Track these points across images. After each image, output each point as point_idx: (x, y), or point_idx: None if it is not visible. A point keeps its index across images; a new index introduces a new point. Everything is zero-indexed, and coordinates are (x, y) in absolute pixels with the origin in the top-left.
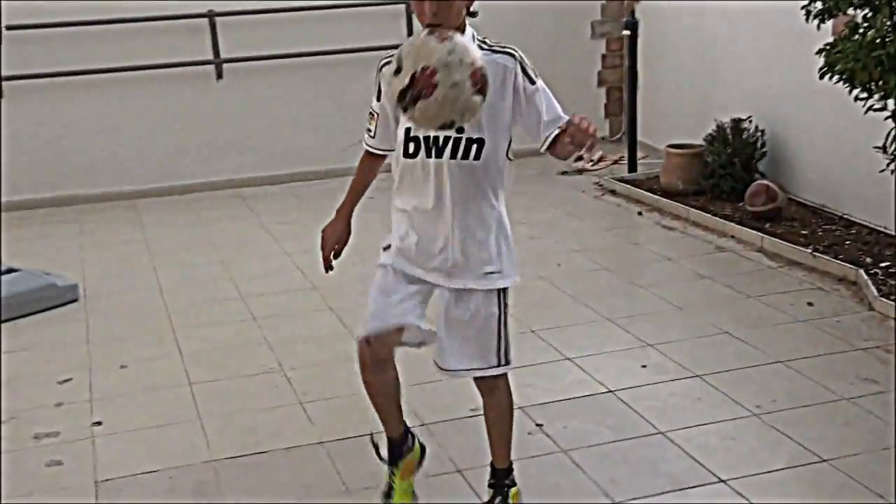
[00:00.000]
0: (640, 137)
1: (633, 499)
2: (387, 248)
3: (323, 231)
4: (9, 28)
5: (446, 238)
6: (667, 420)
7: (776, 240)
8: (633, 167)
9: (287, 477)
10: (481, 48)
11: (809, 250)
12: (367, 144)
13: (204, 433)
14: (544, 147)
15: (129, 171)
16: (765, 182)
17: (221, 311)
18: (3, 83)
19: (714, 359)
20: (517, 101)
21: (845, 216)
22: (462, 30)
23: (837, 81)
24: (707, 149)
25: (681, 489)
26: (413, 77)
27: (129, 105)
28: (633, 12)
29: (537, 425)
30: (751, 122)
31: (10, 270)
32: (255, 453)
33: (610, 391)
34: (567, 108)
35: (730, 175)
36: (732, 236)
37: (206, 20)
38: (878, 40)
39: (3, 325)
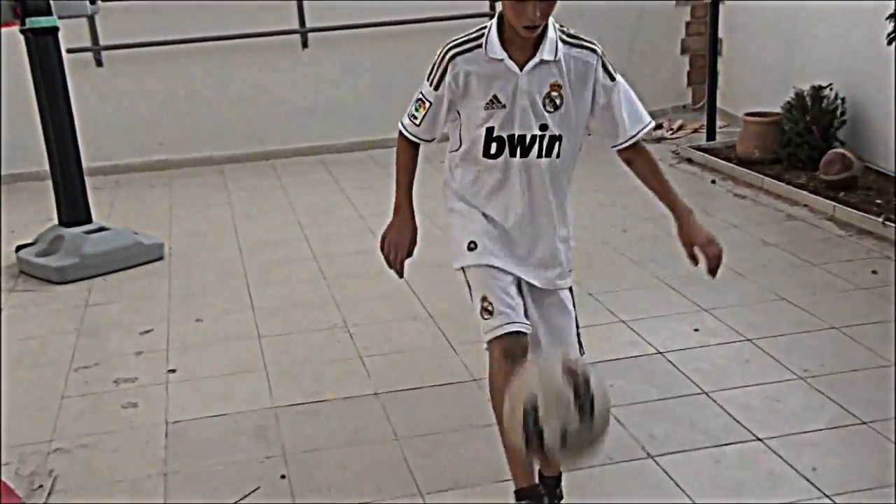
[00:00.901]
0: (721, 106)
1: (669, 452)
2: (472, 246)
3: (385, 236)
4: (110, 0)
5: (536, 236)
6: (712, 381)
7: (847, 208)
8: (711, 136)
9: (341, 423)
10: (563, 41)
11: (881, 219)
12: (409, 131)
13: (268, 382)
14: (621, 147)
15: (218, 137)
16: (840, 150)
17: (295, 271)
18: (102, 53)
19: (768, 324)
20: (596, 97)
21: None
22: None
23: None
24: (785, 117)
25: (717, 445)
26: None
27: (219, 74)
28: None
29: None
30: (831, 89)
31: (101, 229)
32: (314, 402)
33: (659, 352)
34: (650, 74)
35: (807, 143)
36: (805, 205)
37: None
38: None
39: (93, 279)
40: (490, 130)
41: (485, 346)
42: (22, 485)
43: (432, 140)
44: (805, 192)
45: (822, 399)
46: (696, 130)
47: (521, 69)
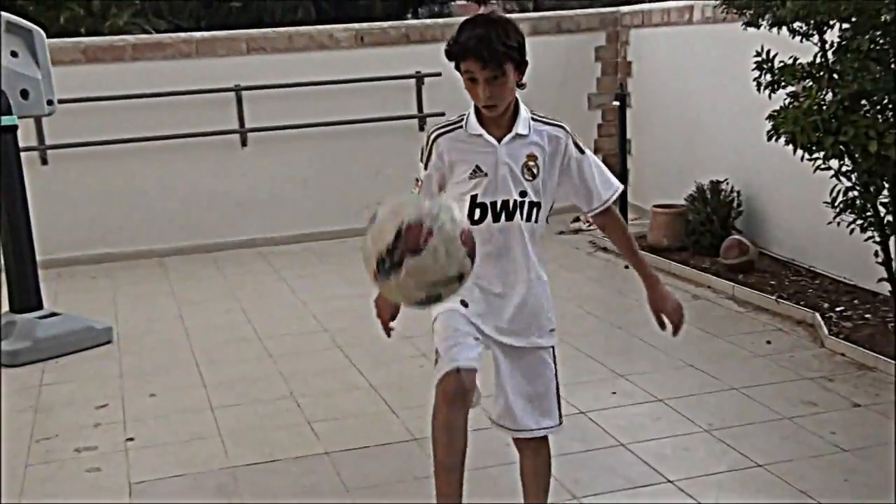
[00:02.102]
0: (632, 200)
1: (592, 494)
2: (464, 304)
3: (376, 300)
4: (59, 101)
5: (518, 296)
6: (629, 435)
7: (746, 289)
8: None
9: (296, 479)
10: (534, 119)
11: (774, 297)
12: None
13: (224, 446)
14: (595, 213)
15: (159, 230)
16: (737, 237)
17: (241, 350)
18: (48, 151)
19: (677, 386)
20: (568, 169)
21: (811, 268)
22: (516, 106)
23: (785, 143)
24: (689, 208)
25: (633, 487)
26: (399, 232)
27: (161, 171)
28: (621, 85)
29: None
30: (728, 183)
31: (52, 314)
32: (269, 461)
33: (582, 412)
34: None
35: (709, 232)
36: (708, 286)
37: (233, 94)
38: (814, 107)
39: (45, 362)
40: (474, 198)
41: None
42: None
43: None
44: (708, 275)
45: (725, 447)
46: None
47: (499, 142)
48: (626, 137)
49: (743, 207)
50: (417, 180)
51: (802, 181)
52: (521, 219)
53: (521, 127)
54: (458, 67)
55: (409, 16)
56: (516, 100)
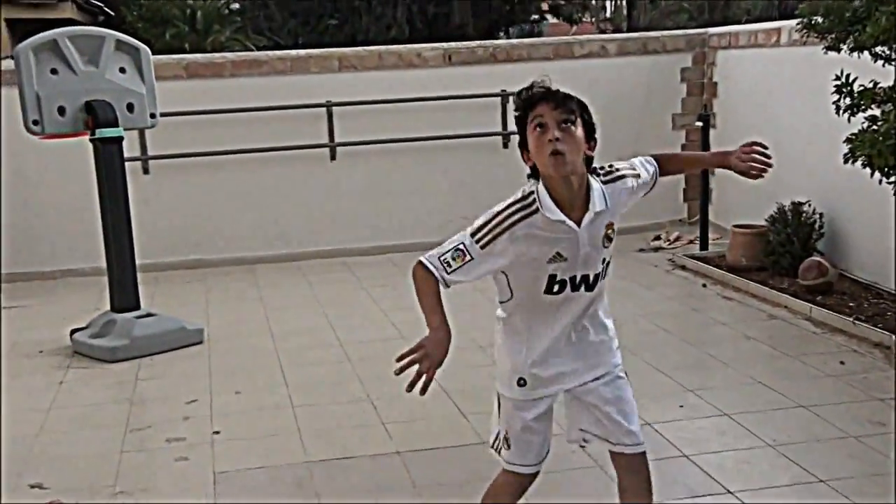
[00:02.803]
0: (713, 220)
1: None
2: (521, 383)
3: (423, 345)
4: (161, 115)
5: (586, 346)
6: (693, 447)
7: (823, 310)
8: (704, 245)
9: (368, 476)
10: (605, 183)
11: (851, 319)
12: (437, 273)
13: (302, 443)
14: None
15: (250, 239)
16: (817, 259)
17: (322, 354)
18: (150, 161)
19: (744, 402)
20: (635, 192)
21: (893, 292)
22: (588, 180)
23: (862, 166)
24: (769, 229)
25: (694, 497)
26: None
27: (255, 182)
28: (705, 107)
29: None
30: (810, 205)
31: (148, 315)
32: (343, 458)
33: (648, 423)
34: (650, 194)
35: (788, 252)
36: (785, 307)
37: (324, 109)
38: (892, 131)
39: (141, 359)
40: (553, 276)
41: (496, 454)
42: None
43: (452, 285)
44: (785, 296)
45: (787, 462)
46: (691, 242)
47: (579, 225)
48: None
49: (825, 229)
50: (463, 253)
51: (885, 204)
52: (601, 280)
53: (598, 203)
54: (523, 122)
55: (501, 35)
56: (586, 174)
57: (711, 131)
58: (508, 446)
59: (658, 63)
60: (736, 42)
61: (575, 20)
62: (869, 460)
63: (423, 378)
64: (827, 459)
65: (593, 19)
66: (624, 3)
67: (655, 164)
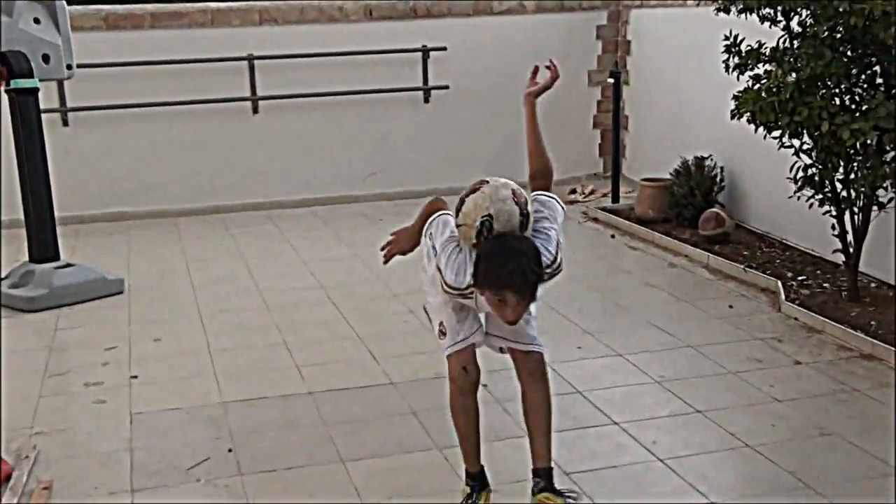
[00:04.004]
0: (627, 174)
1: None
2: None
3: (397, 232)
4: (79, 66)
5: None
6: (585, 384)
7: (720, 258)
8: (616, 199)
9: (280, 413)
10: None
11: (743, 266)
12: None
13: (218, 384)
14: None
15: (173, 192)
16: (715, 210)
17: (241, 302)
18: (69, 113)
19: (638, 344)
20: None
21: (783, 241)
22: None
23: (747, 122)
24: (674, 182)
25: (582, 427)
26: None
27: (177, 135)
28: (616, 63)
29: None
30: (711, 159)
31: (67, 265)
32: (257, 398)
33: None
34: (566, 146)
35: (691, 205)
36: (686, 256)
37: (246, 63)
38: (773, 89)
39: (60, 308)
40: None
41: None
42: (10, 457)
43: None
44: (686, 245)
45: (670, 396)
46: (604, 195)
47: None
48: (619, 113)
49: (725, 182)
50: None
51: (775, 158)
52: None
53: None
54: (486, 286)
55: None
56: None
57: (625, 88)
58: (444, 334)
59: (575, 21)
60: (648, 1)
61: None
62: (744, 393)
63: (386, 251)
64: (707, 393)
65: None
66: None
67: (553, 198)
